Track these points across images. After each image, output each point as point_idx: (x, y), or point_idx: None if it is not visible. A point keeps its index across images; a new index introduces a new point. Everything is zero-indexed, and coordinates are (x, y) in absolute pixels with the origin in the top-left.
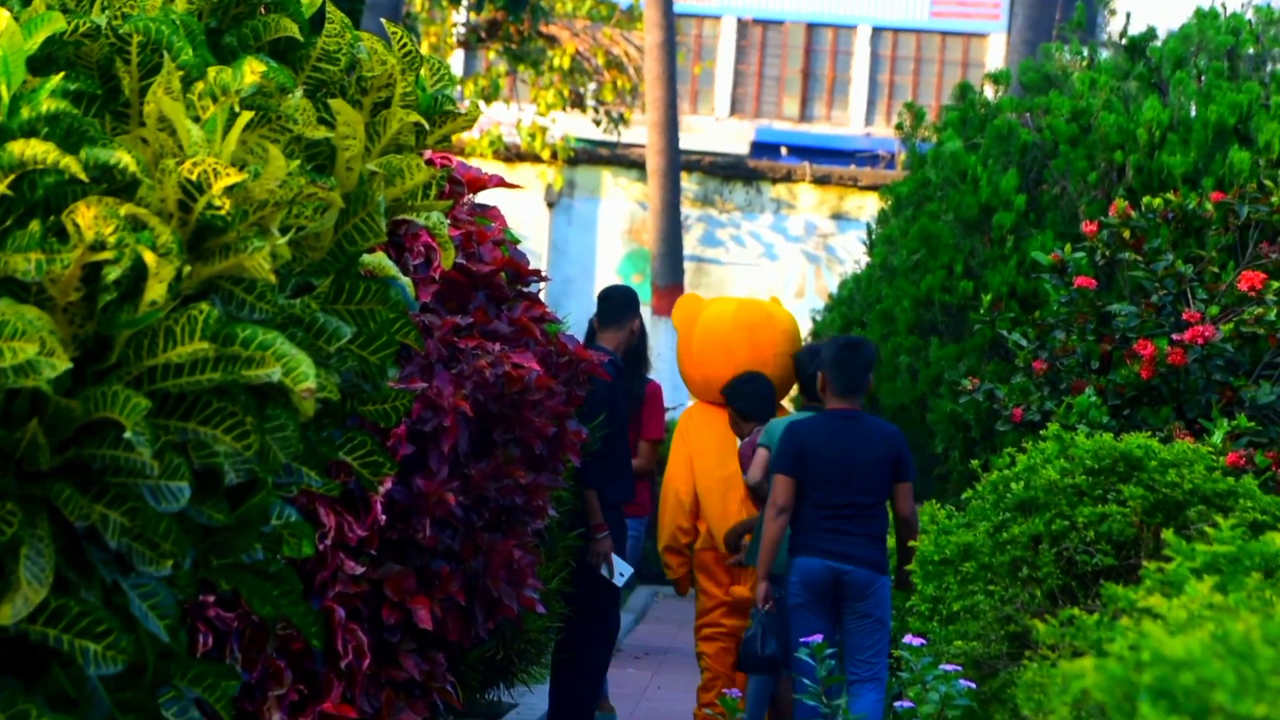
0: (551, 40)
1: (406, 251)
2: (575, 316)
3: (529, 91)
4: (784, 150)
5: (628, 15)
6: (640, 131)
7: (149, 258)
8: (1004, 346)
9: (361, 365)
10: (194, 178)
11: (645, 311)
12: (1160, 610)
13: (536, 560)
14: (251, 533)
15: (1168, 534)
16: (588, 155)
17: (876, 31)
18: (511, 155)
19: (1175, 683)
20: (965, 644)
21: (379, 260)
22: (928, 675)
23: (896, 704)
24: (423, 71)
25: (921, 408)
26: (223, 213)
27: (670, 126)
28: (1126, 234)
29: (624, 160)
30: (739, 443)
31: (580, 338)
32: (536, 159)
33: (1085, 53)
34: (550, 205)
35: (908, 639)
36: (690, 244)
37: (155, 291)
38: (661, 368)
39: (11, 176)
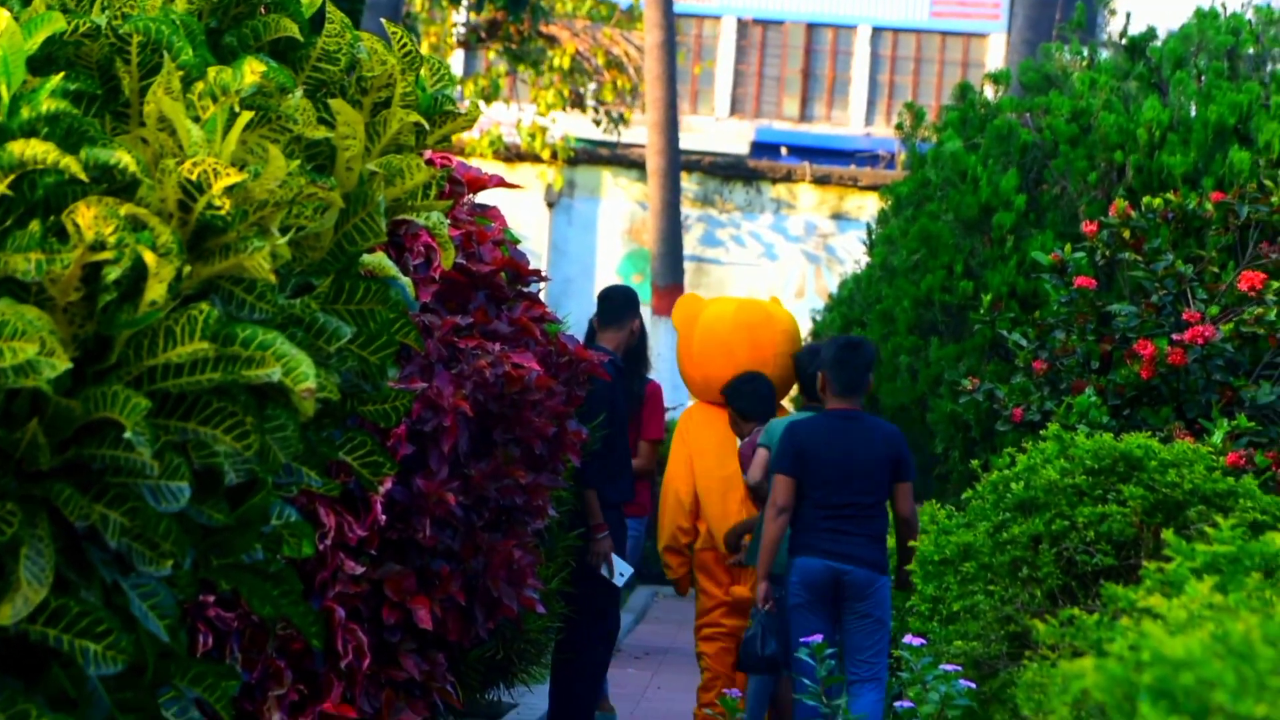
0: (551, 40)
1: (406, 251)
2: (575, 316)
3: (529, 91)
4: (784, 150)
5: (628, 15)
6: (640, 131)
7: (149, 258)
8: (1004, 346)
9: (361, 365)
10: (194, 178)
11: (645, 311)
12: (1160, 610)
13: (536, 560)
14: (251, 533)
15: (1168, 534)
16: (588, 155)
17: (876, 31)
18: (511, 155)
19: (1175, 683)
20: (965, 644)
21: (379, 260)
22: (928, 675)
23: (896, 704)
24: (423, 71)
25: (921, 408)
26: (223, 213)
27: (670, 126)
28: (1126, 234)
29: (624, 160)
30: (739, 443)
31: (580, 338)
32: (536, 159)
33: (1085, 53)
34: (550, 205)
35: (908, 639)
36: (690, 244)
37: (155, 291)
38: (661, 367)
39: (11, 176)
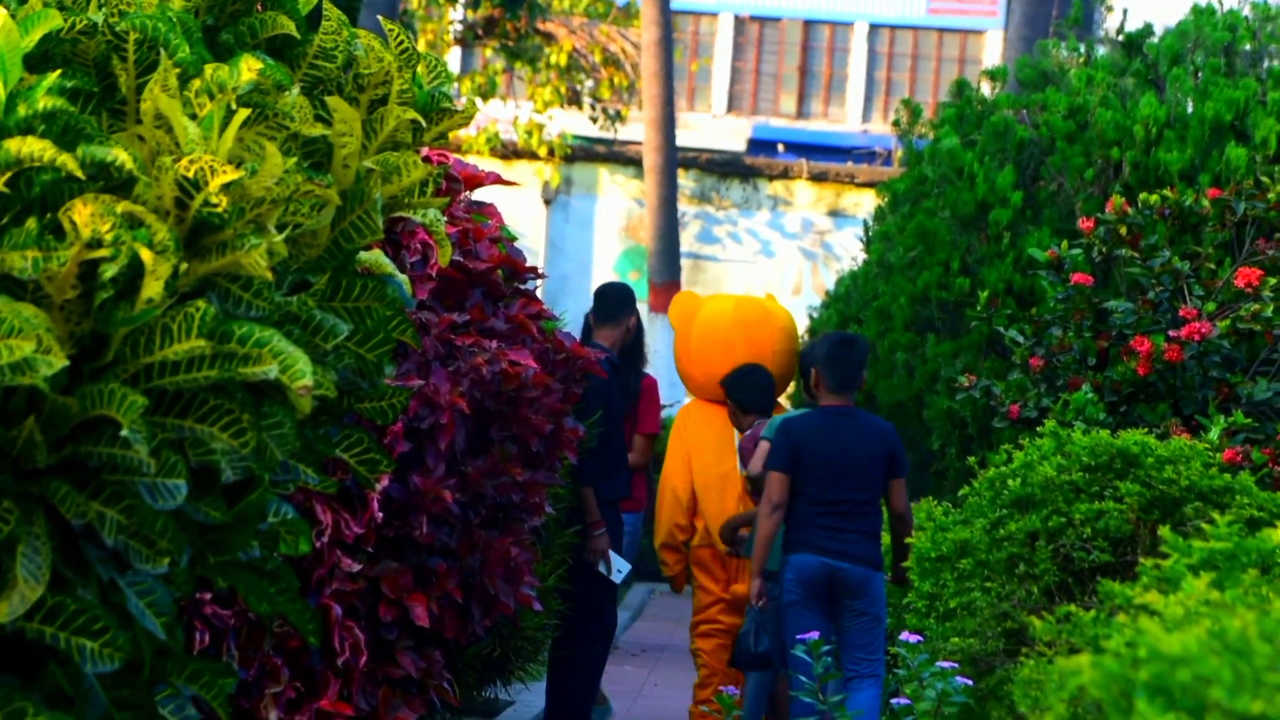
0: (548, 37)
1: (403, 249)
2: (572, 313)
3: (526, 89)
4: (781, 147)
5: (625, 12)
6: (637, 128)
7: (146, 255)
8: (1001, 343)
9: (358, 362)
10: (191, 175)
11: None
12: (1157, 607)
13: (533, 558)
14: (248, 530)
15: (1164, 531)
16: (585, 152)
17: (873, 28)
18: (508, 152)
19: (1172, 679)
20: (962, 641)
21: (376, 257)
22: (924, 672)
23: (893, 701)
24: (419, 69)
25: (918, 404)
26: (219, 210)
27: (667, 123)
28: (1123, 230)
29: (621, 157)
30: (737, 438)
31: (577, 335)
32: (533, 156)
33: (1082, 49)
34: (547, 202)
35: (904, 636)
36: (687, 241)
37: (152, 289)
38: (658, 364)
39: (8, 174)
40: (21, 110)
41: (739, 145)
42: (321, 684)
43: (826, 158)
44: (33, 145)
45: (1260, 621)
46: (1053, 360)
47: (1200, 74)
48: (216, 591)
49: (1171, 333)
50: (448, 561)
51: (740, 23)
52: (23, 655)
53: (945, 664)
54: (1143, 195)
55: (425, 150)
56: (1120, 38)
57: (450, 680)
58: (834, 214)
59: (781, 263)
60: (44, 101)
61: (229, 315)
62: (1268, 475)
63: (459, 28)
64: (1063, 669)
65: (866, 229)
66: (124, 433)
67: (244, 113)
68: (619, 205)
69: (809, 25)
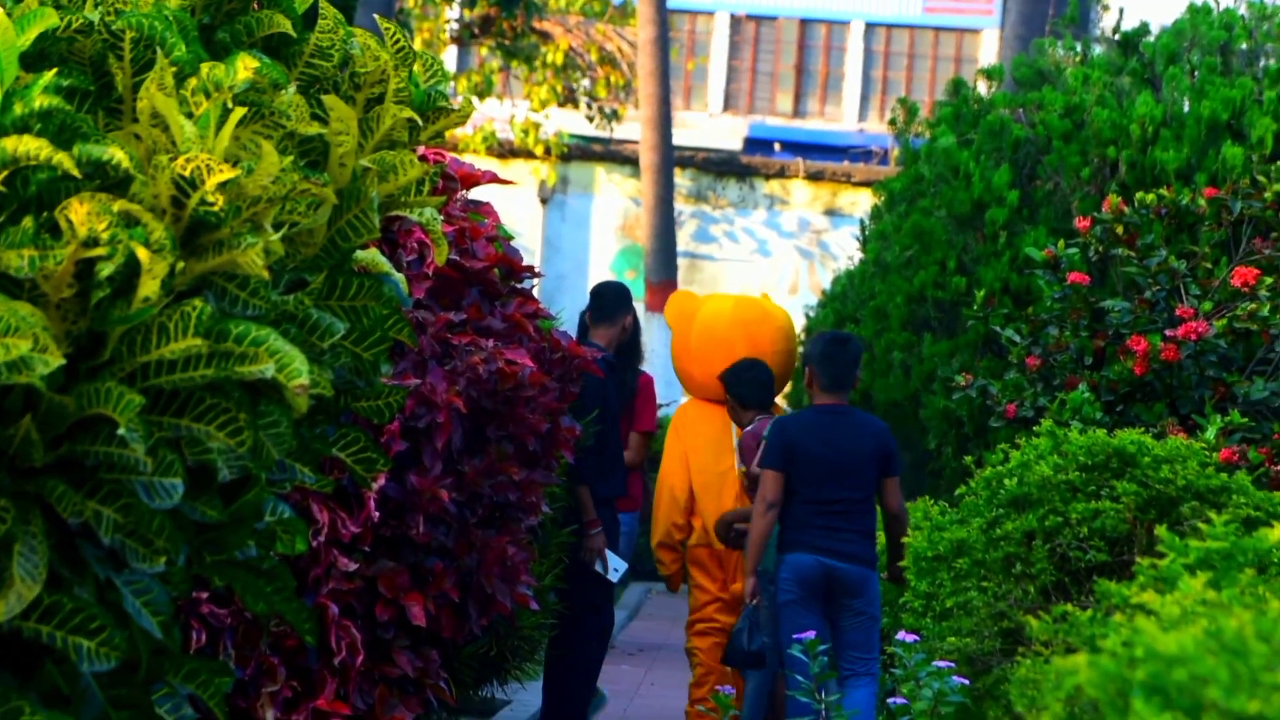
0: (545, 36)
1: (400, 247)
2: (569, 313)
3: (522, 87)
4: (777, 146)
5: (621, 11)
6: (633, 127)
7: (142, 254)
8: (997, 342)
9: (355, 361)
10: (187, 174)
11: (638, 307)
12: (1154, 606)
13: (530, 557)
14: (245, 529)
15: (1161, 530)
16: (581, 151)
17: (870, 27)
18: (505, 151)
19: (1169, 679)
20: (959, 640)
21: (372, 256)
22: (921, 672)
23: (890, 700)
24: (416, 67)
25: (914, 404)
26: (216, 209)
27: (664, 122)
28: (1120, 230)
29: (617, 156)
30: (735, 437)
31: (573, 334)
32: (530, 155)
33: (1078, 48)
34: (543, 201)
35: (901, 635)
36: (684, 240)
37: (148, 288)
38: (655, 363)
39: (4, 173)
40: (18, 109)
41: (735, 144)
42: (318, 683)
43: (823, 157)
44: (29, 144)
45: (1257, 621)
46: (1049, 359)
47: (1196, 73)
48: (213, 590)
49: (1168, 332)
50: (444, 561)
51: (736, 21)
52: (19, 654)
53: (942, 663)
54: (1139, 194)
55: (421, 149)
56: (1116, 37)
57: (447, 679)
58: (830, 213)
59: (778, 262)
60: (40, 100)
61: (225, 314)
62: (1264, 475)
63: (455, 26)
64: (1059, 668)
65: (863, 228)
66: (121, 431)
67: (240, 111)
68: (615, 204)
69: (805, 24)
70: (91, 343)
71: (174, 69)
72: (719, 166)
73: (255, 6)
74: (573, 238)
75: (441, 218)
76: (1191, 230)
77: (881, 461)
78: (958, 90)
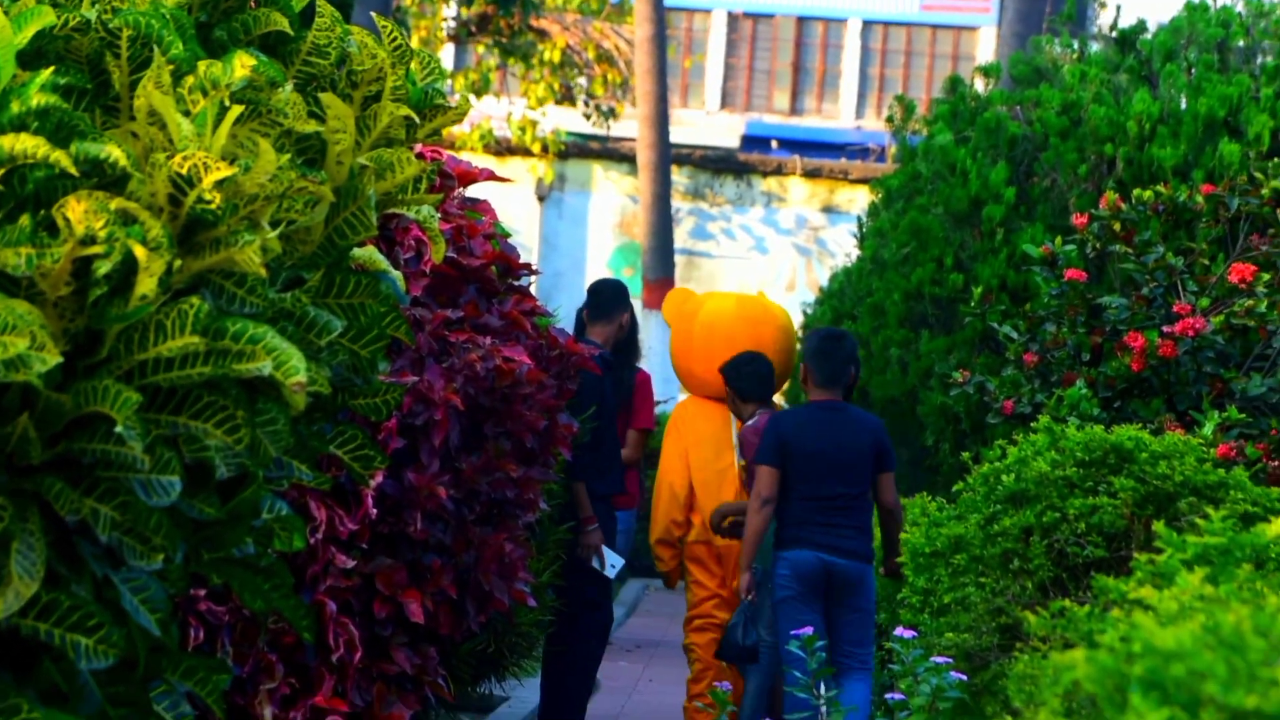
0: (542, 34)
1: (397, 245)
2: (566, 310)
3: (519, 85)
4: (774, 144)
5: (618, 9)
6: (631, 125)
7: (139, 252)
8: (994, 339)
9: (352, 359)
10: (184, 172)
11: (636, 305)
12: (1151, 602)
13: (528, 554)
14: (242, 527)
15: (1159, 526)
16: (578, 149)
17: (867, 25)
18: (502, 149)
19: (1166, 674)
20: (956, 636)
21: (369, 254)
22: (919, 667)
23: (888, 696)
24: (413, 65)
25: (912, 400)
26: (213, 207)
27: (661, 120)
28: (1117, 226)
29: (614, 154)
30: (734, 433)
31: (570, 331)
32: (527, 153)
33: (1075, 45)
34: (541, 199)
35: (899, 631)
36: (681, 237)
37: (146, 285)
38: (652, 360)
39: (2, 171)
40: (15, 107)
41: (733, 142)
42: (316, 680)
43: (820, 154)
44: (26, 142)
45: (1254, 616)
46: (1047, 356)
47: (1193, 70)
48: (211, 588)
49: (1165, 328)
50: (442, 558)
51: (734, 19)
52: (18, 651)
53: (940, 659)
54: (1136, 191)
55: (419, 147)
56: (1113, 34)
57: (445, 676)
58: (828, 210)
59: (775, 259)
60: (37, 98)
61: (223, 312)
62: (1262, 470)
63: (452, 24)
64: (1057, 664)
65: (860, 225)
66: (118, 429)
67: (237, 109)
68: (613, 202)
69: (802, 21)
70: (89, 341)
71: (171, 67)
72: (716, 164)
73: (252, 4)
74: (570, 235)
75: (439, 215)
76: (1189, 227)
77: (877, 456)
78: (955, 88)
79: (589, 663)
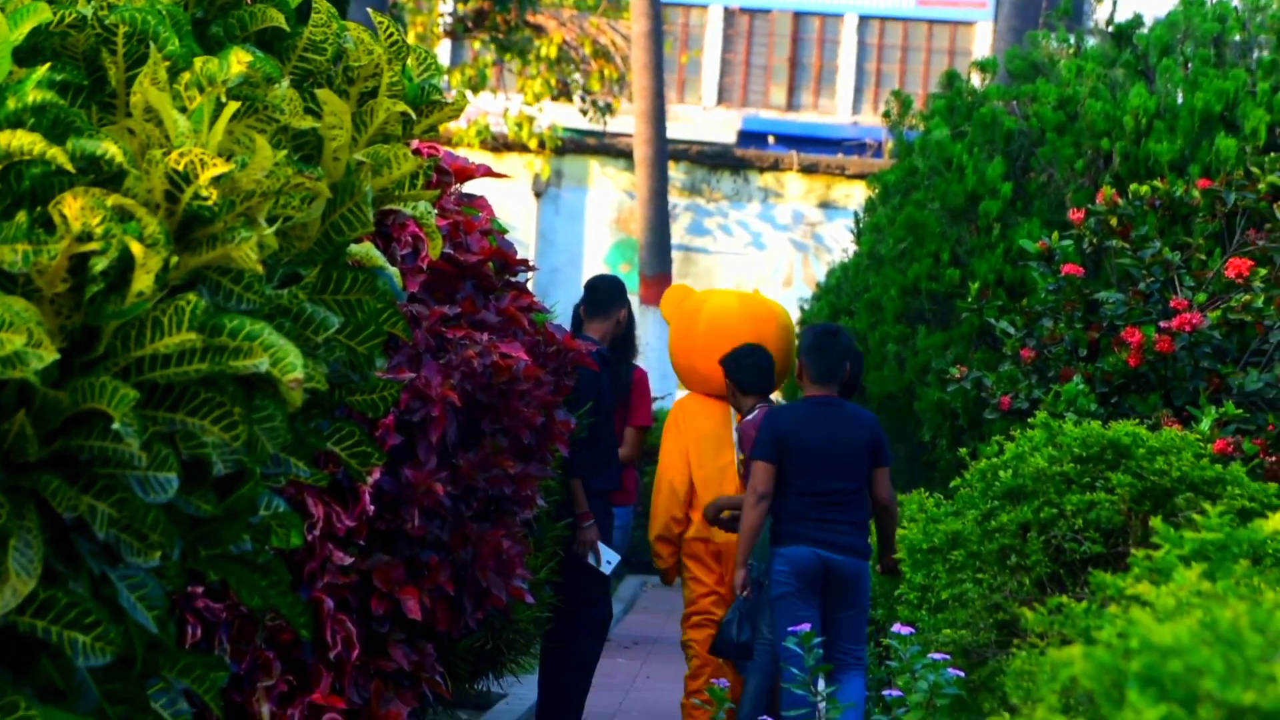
0: (538, 30)
1: (394, 241)
2: (563, 306)
3: (516, 81)
4: (771, 139)
5: (614, 4)
6: (627, 121)
7: (136, 248)
8: (991, 334)
9: (349, 355)
10: (181, 168)
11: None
12: (1148, 598)
13: (525, 550)
14: (240, 523)
15: (1156, 521)
16: (575, 145)
17: (863, 20)
18: (499, 145)
19: (1164, 670)
20: (954, 632)
21: (366, 250)
22: (916, 664)
23: (885, 693)
24: (409, 61)
25: (909, 396)
26: (210, 203)
27: (657, 116)
28: (1114, 221)
29: (611, 150)
30: (734, 428)
31: (567, 327)
32: (524, 148)
33: (1072, 40)
34: (538, 195)
35: (896, 628)
36: (678, 233)
37: (142, 282)
38: (649, 356)
39: None
40: (11, 104)
41: (729, 137)
42: (313, 677)
43: (817, 149)
44: (22, 139)
45: (1252, 612)
46: (1044, 351)
47: (1190, 65)
48: (208, 585)
49: (1162, 324)
50: (439, 554)
51: (730, 15)
52: (15, 649)
53: (937, 655)
54: (1133, 186)
55: (415, 143)
56: (1110, 29)
57: (442, 673)
58: (824, 206)
59: (772, 255)
60: (33, 95)
61: (220, 308)
62: (1259, 466)
63: (449, 20)
64: (1054, 660)
65: (857, 221)
66: (115, 426)
67: (234, 105)
68: (609, 198)
69: (799, 17)
70: (85, 337)
71: (167, 63)
72: (713, 159)
73: (248, 1)
74: (567, 231)
75: (435, 211)
76: (1185, 222)
77: (873, 452)
78: (951, 83)
79: (587, 659)
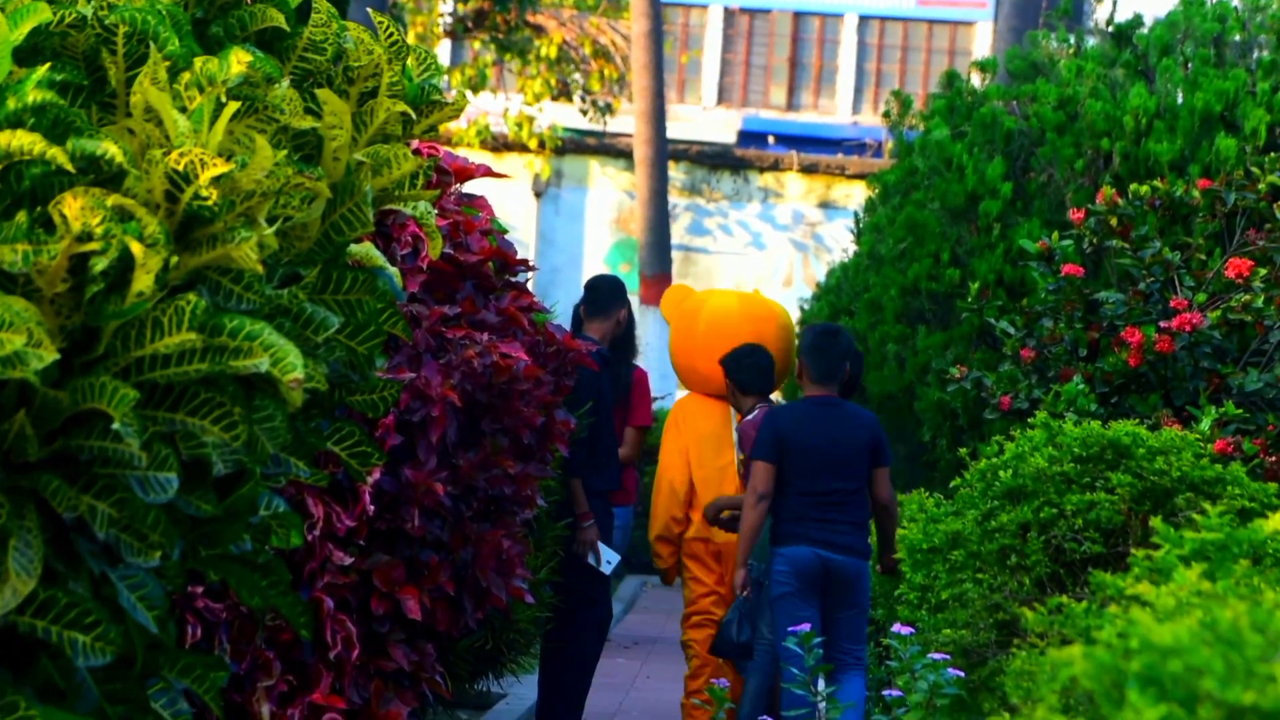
0: (538, 30)
1: (394, 241)
2: (563, 306)
3: (516, 81)
4: (771, 139)
5: (614, 4)
6: (627, 121)
7: (136, 248)
8: (992, 334)
9: (349, 355)
10: (181, 168)
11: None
12: (1149, 598)
13: (525, 550)
14: (240, 523)
15: (1156, 521)
16: (575, 145)
17: (863, 20)
18: (499, 145)
19: (1164, 670)
20: (954, 632)
21: (366, 250)
22: (916, 664)
23: (885, 693)
24: (409, 61)
25: (909, 396)
26: (210, 203)
27: (657, 116)
28: (1114, 221)
29: (611, 149)
30: (735, 428)
31: (567, 327)
32: (524, 148)
33: (1072, 40)
34: (538, 195)
35: (896, 628)
36: (678, 233)
37: (142, 282)
38: (649, 356)
39: None
40: (11, 104)
41: (729, 137)
42: (313, 677)
43: (817, 149)
44: (22, 138)
45: (1252, 612)
46: (1044, 351)
47: (1190, 65)
48: (208, 585)
49: (1162, 323)
50: (439, 554)
51: (730, 15)
52: (15, 649)
53: (937, 655)
54: (1133, 186)
55: (415, 143)
56: (1110, 29)
57: (442, 673)
58: (824, 206)
59: (772, 255)
60: (33, 95)
61: (220, 308)
62: (1259, 466)
63: (449, 20)
64: (1055, 660)
65: (857, 221)
66: (115, 426)
67: (234, 105)
68: (609, 197)
69: (799, 17)
70: (85, 337)
71: (167, 63)
72: (713, 159)
73: (248, 1)
74: (567, 231)
75: (435, 211)
76: (1185, 222)
77: (873, 452)
78: (951, 83)
79: (587, 659)
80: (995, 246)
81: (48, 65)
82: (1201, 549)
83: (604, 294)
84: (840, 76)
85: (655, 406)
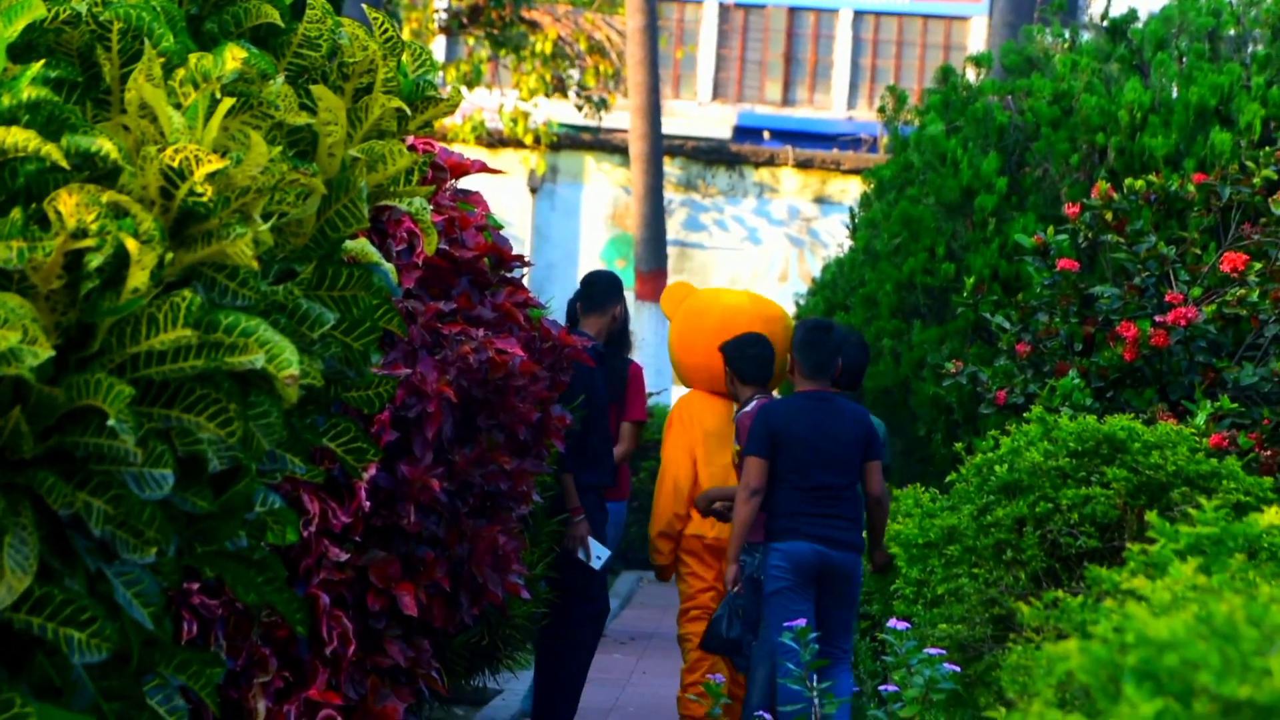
0: (533, 25)
1: (389, 237)
2: (558, 302)
3: (511, 77)
4: (766, 134)
5: (609, 0)
6: (623, 116)
7: (131, 245)
8: (987, 329)
9: (345, 351)
10: (176, 165)
11: (628, 296)
12: (1144, 592)
13: (521, 546)
14: (235, 520)
15: (1151, 516)
16: (570, 140)
17: (858, 15)
18: (494, 141)
19: (1159, 664)
20: (950, 627)
21: (362, 246)
22: (912, 659)
23: (881, 688)
24: (404, 57)
25: (904, 391)
26: (205, 199)
27: (653, 111)
28: (1109, 216)
29: (607, 145)
30: (734, 417)
31: (563, 323)
32: (519, 144)
33: (1066, 35)
34: (533, 190)
35: (892, 623)
36: (673, 228)
37: (137, 279)
38: (644, 351)
39: None
40: (6, 100)
41: (724, 133)
42: (310, 673)
43: (812, 145)
44: (17, 135)
45: (1247, 606)
46: (1039, 346)
47: (1185, 59)
48: (204, 581)
49: (1158, 318)
50: (436, 550)
51: (725, 10)
52: (10, 646)
53: (933, 650)
54: (1128, 180)
55: (410, 139)
56: (1104, 23)
57: (439, 669)
58: (820, 201)
59: (768, 250)
60: (28, 91)
61: (215, 305)
62: (1254, 460)
63: (444, 16)
64: (1050, 654)
65: (852, 216)
66: (111, 423)
67: (228, 102)
68: (605, 193)
69: (794, 12)
70: (81, 334)
71: (162, 60)
72: (708, 155)
73: None
74: (562, 227)
75: (431, 207)
76: (1180, 216)
77: (865, 446)
78: (946, 78)
79: (583, 655)
80: (990, 241)
81: (42, 62)
82: (1197, 543)
83: (600, 289)
84: (835, 72)
85: (650, 402)
